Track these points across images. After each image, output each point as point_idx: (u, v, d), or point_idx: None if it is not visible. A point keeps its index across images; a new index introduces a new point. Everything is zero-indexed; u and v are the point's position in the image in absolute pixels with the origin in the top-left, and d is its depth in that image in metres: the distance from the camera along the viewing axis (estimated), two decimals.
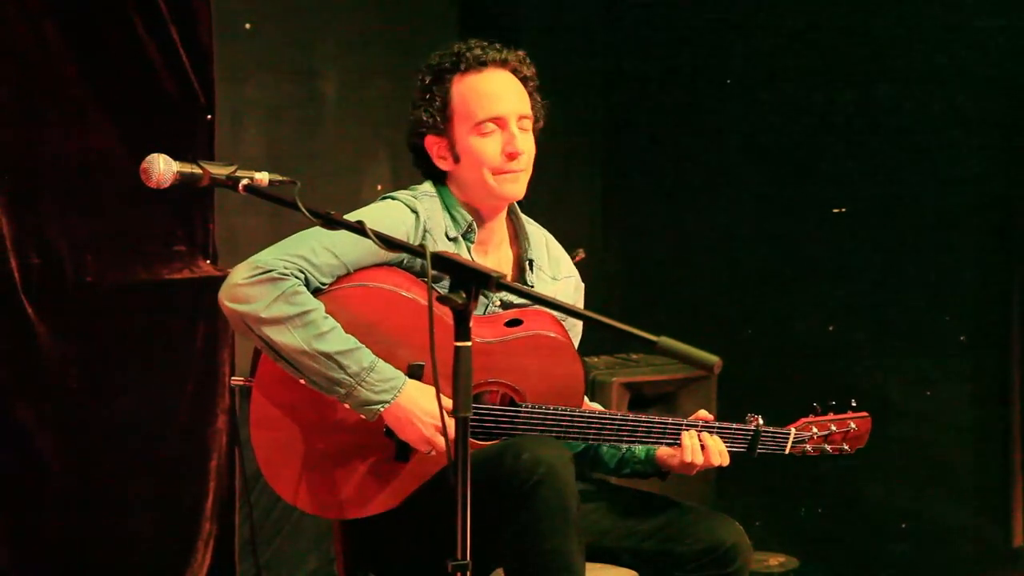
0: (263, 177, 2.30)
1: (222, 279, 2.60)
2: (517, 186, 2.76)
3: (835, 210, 4.66)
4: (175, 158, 2.25)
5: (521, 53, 2.81)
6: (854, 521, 4.64)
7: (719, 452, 2.78)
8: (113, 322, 3.65)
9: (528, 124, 2.78)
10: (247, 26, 4.14)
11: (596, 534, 2.76)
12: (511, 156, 2.73)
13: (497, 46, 2.78)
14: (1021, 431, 4.38)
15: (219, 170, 2.28)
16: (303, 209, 2.21)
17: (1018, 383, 4.37)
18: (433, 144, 2.78)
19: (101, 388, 3.62)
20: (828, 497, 4.69)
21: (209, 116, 3.76)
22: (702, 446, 2.77)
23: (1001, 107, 4.40)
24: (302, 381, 2.57)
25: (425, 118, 2.75)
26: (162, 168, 2.24)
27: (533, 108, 2.80)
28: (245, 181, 2.28)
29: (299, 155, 4.26)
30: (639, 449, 2.87)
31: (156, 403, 3.72)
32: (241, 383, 2.67)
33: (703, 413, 2.84)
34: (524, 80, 2.79)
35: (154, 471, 3.72)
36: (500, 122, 2.73)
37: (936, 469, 4.50)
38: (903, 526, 4.57)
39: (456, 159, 2.76)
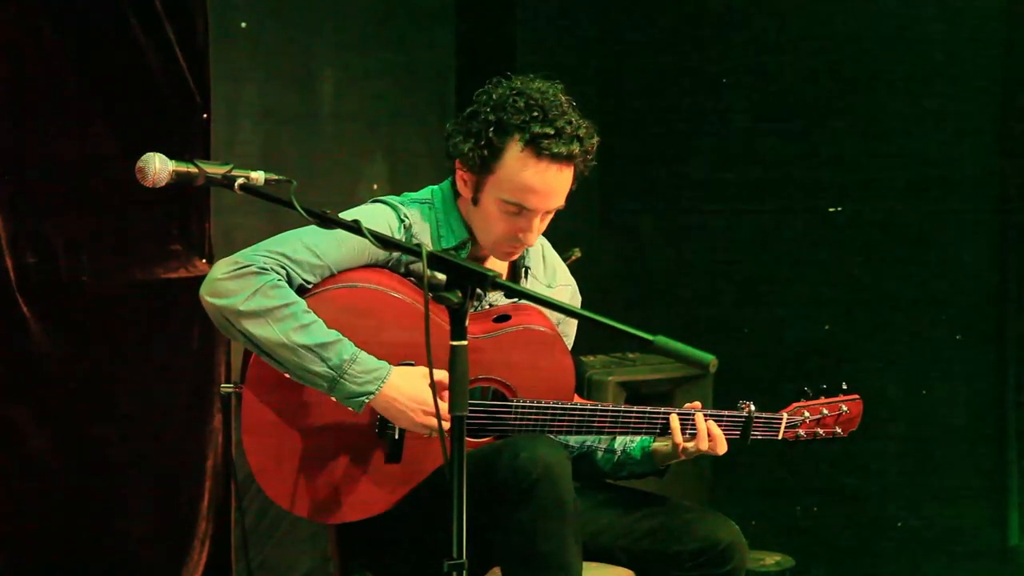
0: (259, 176, 2.30)
1: None
2: (514, 255, 2.79)
3: (831, 209, 4.66)
4: (171, 157, 2.25)
5: (593, 143, 2.71)
6: (850, 520, 4.64)
7: (720, 439, 2.79)
8: (109, 321, 3.65)
9: (555, 210, 2.74)
10: (243, 25, 4.13)
11: (592, 533, 2.76)
12: (521, 241, 2.72)
13: (568, 132, 2.65)
14: (1017, 430, 4.38)
15: (215, 169, 2.28)
16: (299, 208, 2.21)
17: (1014, 382, 4.38)
18: (462, 172, 2.74)
19: (97, 387, 3.61)
20: (824, 496, 4.69)
21: (205, 115, 3.76)
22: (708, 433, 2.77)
23: (999, 107, 4.40)
24: (287, 375, 2.56)
25: (468, 152, 2.68)
26: (158, 167, 2.23)
27: (569, 192, 2.74)
28: (241, 180, 2.28)
29: (295, 154, 4.25)
30: (634, 449, 2.87)
31: (152, 402, 3.71)
32: (231, 390, 2.65)
33: (695, 405, 2.84)
34: (581, 167, 2.72)
35: (150, 470, 3.71)
36: (528, 212, 2.69)
37: (932, 468, 4.51)
38: (899, 525, 4.58)
39: (475, 201, 2.73)
